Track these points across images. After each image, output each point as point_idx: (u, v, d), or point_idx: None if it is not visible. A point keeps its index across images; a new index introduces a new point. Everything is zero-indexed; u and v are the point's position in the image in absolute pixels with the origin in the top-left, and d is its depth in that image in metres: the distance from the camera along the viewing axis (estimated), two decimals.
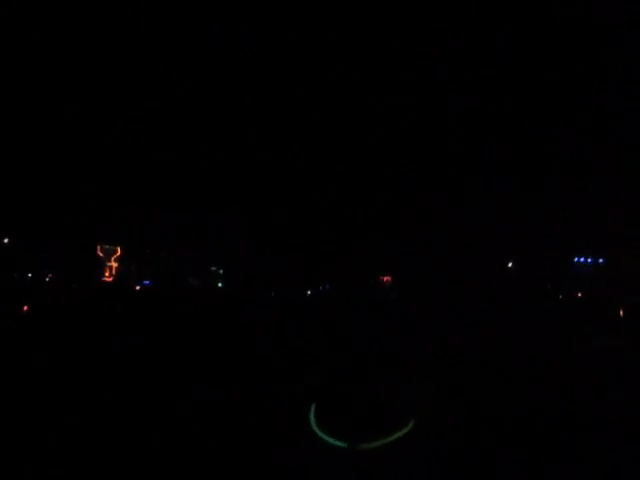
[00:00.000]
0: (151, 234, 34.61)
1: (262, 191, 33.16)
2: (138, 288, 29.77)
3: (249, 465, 4.44)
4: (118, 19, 27.05)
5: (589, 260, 33.35)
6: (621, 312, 18.87)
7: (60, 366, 7.57)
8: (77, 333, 10.50)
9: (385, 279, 29.95)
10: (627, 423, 5.36)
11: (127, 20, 27.22)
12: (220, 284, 35.40)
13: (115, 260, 37.77)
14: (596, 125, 28.32)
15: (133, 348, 9.13)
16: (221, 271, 38.64)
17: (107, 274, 36.94)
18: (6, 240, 32.80)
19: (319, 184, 32.91)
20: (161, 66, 29.45)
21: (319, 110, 31.21)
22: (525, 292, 26.68)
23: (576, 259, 33.37)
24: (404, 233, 32.00)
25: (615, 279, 28.04)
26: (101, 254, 37.44)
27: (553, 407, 5.95)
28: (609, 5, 24.84)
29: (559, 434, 5.11)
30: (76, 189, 31.59)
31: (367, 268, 31.74)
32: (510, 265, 33.24)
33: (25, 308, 14.31)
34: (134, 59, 28.88)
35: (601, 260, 33.04)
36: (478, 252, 31.29)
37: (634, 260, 28.48)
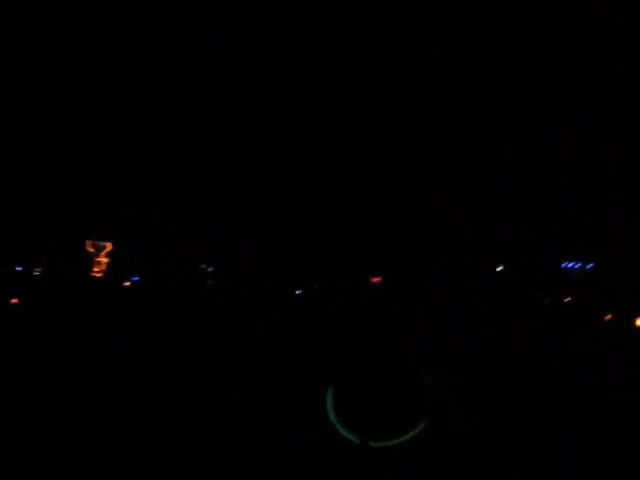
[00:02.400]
0: (143, 230, 34.48)
1: (262, 191, 33.16)
2: (128, 284, 29.65)
3: (249, 465, 4.44)
4: (118, 19, 27.06)
5: (578, 265, 32.94)
6: (609, 316, 18.82)
7: (57, 364, 7.56)
8: (72, 330, 10.47)
9: (375, 280, 29.87)
10: (627, 423, 5.36)
11: (127, 20, 27.23)
12: (209, 282, 35.08)
13: (105, 256, 37.74)
14: (596, 125, 28.33)
15: (132, 348, 9.12)
16: (210, 269, 38.18)
17: (97, 269, 36.91)
18: None
19: (319, 184, 32.92)
20: (161, 66, 29.46)
21: (319, 110, 31.22)
22: (513, 296, 26.58)
23: (564, 264, 32.97)
24: (404, 233, 32.01)
25: (605, 284, 27.80)
26: (92, 249, 37.40)
27: (553, 407, 5.94)
28: (609, 5, 24.86)
29: (559, 434, 5.10)
30: (68, 185, 31.59)
31: (365, 268, 31.73)
32: (500, 268, 32.92)
33: (15, 301, 14.18)
34: (133, 58, 28.89)
35: (590, 265, 32.64)
36: (478, 252, 31.29)
37: (626, 264, 28.21)
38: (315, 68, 29.36)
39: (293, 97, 30.53)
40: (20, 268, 30.35)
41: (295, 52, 28.72)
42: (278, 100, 30.29)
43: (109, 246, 37.64)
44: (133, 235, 34.58)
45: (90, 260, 36.95)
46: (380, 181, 32.36)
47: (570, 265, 32.84)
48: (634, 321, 18.16)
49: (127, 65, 28.90)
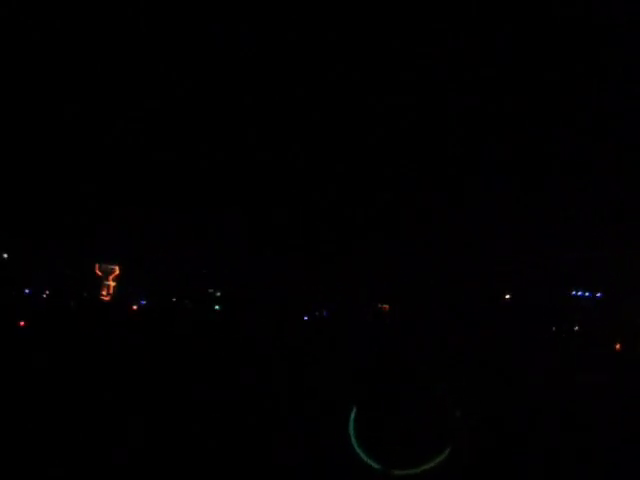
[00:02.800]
0: (150, 252, 34.33)
1: (262, 191, 33.13)
2: (135, 307, 29.71)
3: (249, 465, 4.43)
4: (117, 18, 27.06)
5: (587, 294, 32.59)
6: (618, 346, 18.69)
7: (61, 368, 7.58)
8: (76, 336, 10.50)
9: (384, 307, 29.79)
10: (627, 423, 5.36)
11: (127, 19, 27.22)
12: (217, 307, 35.09)
13: (113, 279, 38.06)
14: (596, 125, 28.30)
15: (133, 349, 9.14)
16: (218, 293, 38.28)
17: (104, 293, 37.22)
18: (5, 255, 32.81)
19: (319, 184, 32.90)
20: (161, 66, 29.45)
21: (319, 110, 31.19)
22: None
23: (574, 293, 32.63)
24: (404, 233, 32.00)
25: (614, 313, 27.47)
26: (100, 273, 37.75)
27: (553, 407, 5.95)
28: (609, 5, 24.84)
29: (559, 434, 5.10)
30: (76, 204, 31.49)
31: (366, 271, 31.69)
32: (507, 296, 32.37)
33: (22, 323, 14.20)
34: (133, 59, 28.86)
35: (599, 294, 32.25)
36: (478, 252, 31.26)
37: (634, 295, 27.77)
38: (315, 68, 29.35)
39: (293, 97, 30.52)
40: (28, 290, 30.30)
41: (295, 52, 28.71)
42: (278, 100, 30.28)
43: (116, 269, 37.94)
44: (133, 236, 34.47)
45: (99, 283, 37.30)
46: (380, 181, 32.33)
47: (580, 294, 32.45)
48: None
49: (127, 65, 28.89)
